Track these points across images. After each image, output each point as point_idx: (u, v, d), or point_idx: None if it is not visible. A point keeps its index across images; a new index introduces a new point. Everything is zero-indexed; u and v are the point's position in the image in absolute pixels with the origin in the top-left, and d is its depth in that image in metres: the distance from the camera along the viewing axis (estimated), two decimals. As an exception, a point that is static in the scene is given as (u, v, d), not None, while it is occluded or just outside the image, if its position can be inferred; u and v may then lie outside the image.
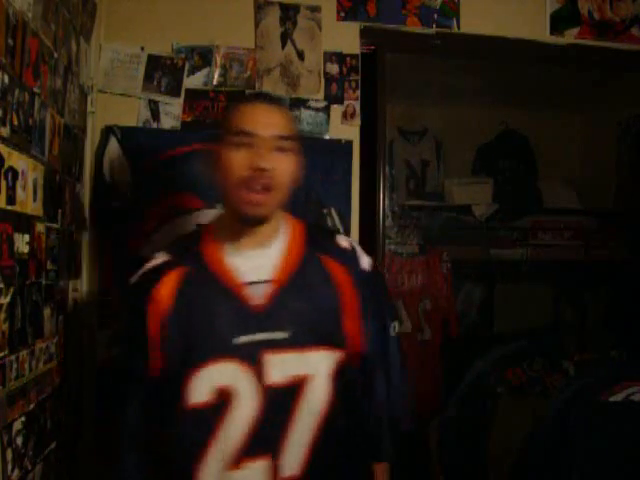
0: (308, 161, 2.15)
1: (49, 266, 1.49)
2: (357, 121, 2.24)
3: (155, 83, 2.11)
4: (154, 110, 2.10)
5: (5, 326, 1.20)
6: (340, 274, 1.25)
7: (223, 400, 1.16)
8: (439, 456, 2.51)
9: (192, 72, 2.13)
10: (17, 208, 1.26)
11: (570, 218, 3.43)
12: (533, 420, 2.18)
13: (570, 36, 2.44)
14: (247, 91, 2.15)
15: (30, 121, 1.34)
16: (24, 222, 1.31)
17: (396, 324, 1.34)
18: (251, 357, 1.16)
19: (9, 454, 1.21)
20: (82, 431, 1.87)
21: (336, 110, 2.22)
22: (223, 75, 2.16)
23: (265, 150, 1.17)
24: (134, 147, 2.04)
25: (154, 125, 2.10)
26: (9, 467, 1.21)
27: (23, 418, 1.29)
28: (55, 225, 1.55)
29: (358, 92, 2.25)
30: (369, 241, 2.30)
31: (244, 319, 1.18)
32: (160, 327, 1.19)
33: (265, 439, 1.17)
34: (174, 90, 2.12)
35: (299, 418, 1.17)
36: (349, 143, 2.22)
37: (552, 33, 2.42)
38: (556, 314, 3.54)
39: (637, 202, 3.25)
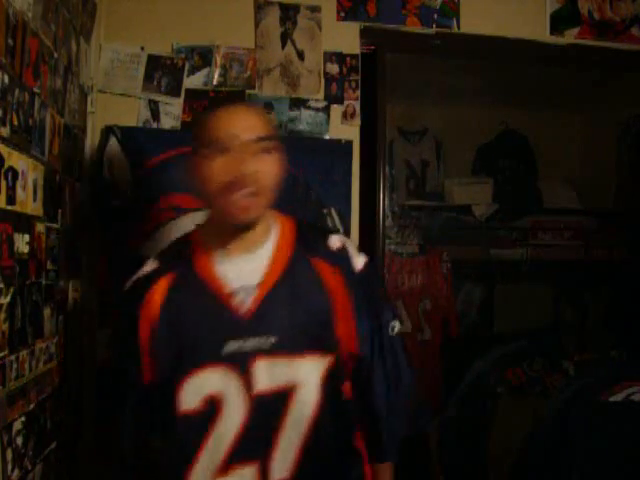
0: (308, 161, 2.18)
1: (49, 266, 1.49)
2: (357, 121, 2.24)
3: (155, 83, 2.11)
4: (154, 110, 2.10)
5: (5, 326, 1.20)
6: (331, 276, 1.23)
7: (212, 407, 1.16)
8: (439, 456, 2.51)
9: (192, 72, 2.13)
10: (17, 208, 1.26)
11: (570, 218, 3.43)
12: (533, 420, 2.18)
13: (570, 36, 2.44)
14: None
15: (30, 121, 1.34)
16: (24, 222, 1.31)
17: (396, 323, 1.32)
18: (240, 364, 1.16)
19: (9, 454, 1.21)
20: (82, 431, 1.87)
21: (336, 110, 2.22)
22: (223, 75, 2.16)
23: (246, 154, 1.13)
24: (134, 147, 2.04)
25: (154, 125, 2.10)
26: (9, 467, 1.21)
27: (23, 418, 1.29)
28: (55, 225, 1.55)
29: (358, 92, 2.25)
30: (369, 241, 2.31)
31: (232, 326, 1.17)
32: (150, 334, 1.19)
33: (254, 446, 1.17)
34: (174, 90, 2.12)
35: (288, 425, 1.17)
36: (349, 143, 2.22)
37: (552, 33, 2.42)
38: (556, 314, 3.54)
39: (637, 202, 3.25)
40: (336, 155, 2.21)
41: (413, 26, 2.31)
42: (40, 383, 1.41)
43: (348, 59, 2.24)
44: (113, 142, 2.02)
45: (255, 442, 1.17)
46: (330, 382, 1.20)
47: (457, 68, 2.94)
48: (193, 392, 1.16)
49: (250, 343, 1.16)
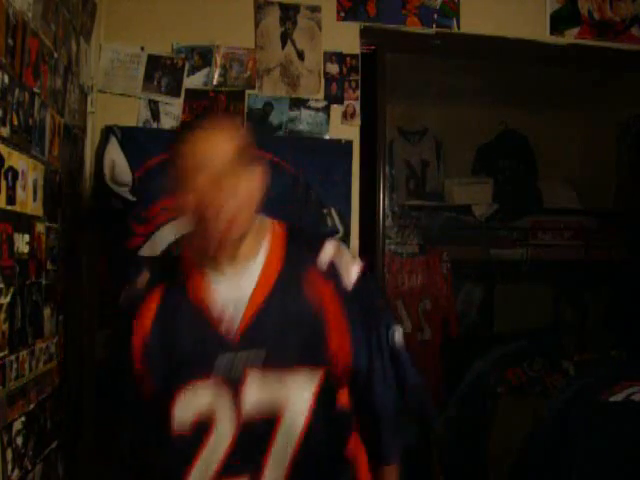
0: (308, 161, 2.18)
1: (49, 266, 1.49)
2: (357, 121, 2.24)
3: (155, 83, 2.11)
4: (154, 110, 2.10)
5: (5, 326, 1.20)
6: (322, 290, 1.20)
7: (204, 423, 1.17)
8: (439, 456, 2.51)
9: (192, 72, 2.13)
10: (17, 208, 1.26)
11: (570, 218, 3.44)
12: (533, 420, 2.18)
13: (570, 36, 2.44)
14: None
15: (30, 121, 1.34)
16: (24, 222, 1.31)
17: (397, 331, 1.28)
18: (230, 381, 1.16)
19: (9, 454, 1.21)
20: (82, 431, 1.87)
21: (336, 110, 2.22)
22: (223, 75, 2.16)
23: (216, 183, 1.10)
24: (134, 147, 2.03)
25: (154, 125, 2.10)
26: (9, 467, 1.21)
27: (23, 418, 1.29)
28: (55, 225, 1.55)
29: (358, 92, 2.25)
30: (369, 241, 2.31)
31: (223, 343, 1.17)
32: (143, 349, 1.20)
33: (245, 460, 1.17)
34: (174, 90, 2.12)
35: (279, 439, 1.17)
36: (349, 143, 2.22)
37: (552, 33, 2.42)
38: (556, 314, 3.53)
39: (637, 202, 3.25)
40: (336, 155, 2.21)
41: (413, 26, 2.31)
42: (40, 383, 1.41)
43: (348, 59, 2.24)
44: (113, 142, 2.02)
45: (247, 457, 1.17)
46: (322, 396, 1.19)
47: (457, 68, 2.94)
48: (185, 408, 1.17)
49: (241, 360, 1.16)
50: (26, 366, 1.32)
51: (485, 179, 3.54)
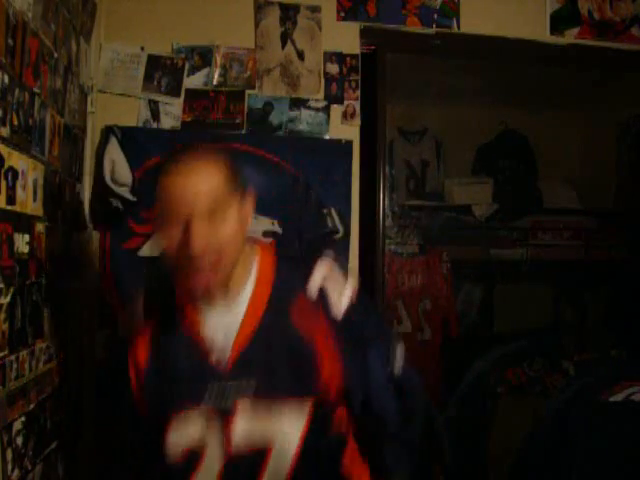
0: (308, 161, 2.18)
1: (49, 266, 1.49)
2: (357, 121, 2.24)
3: (155, 83, 2.11)
4: (154, 110, 2.10)
5: (5, 326, 1.20)
6: (311, 317, 1.18)
7: (195, 453, 1.17)
8: (439, 456, 2.51)
9: (192, 72, 2.13)
10: (17, 208, 1.26)
11: (570, 218, 3.44)
12: (533, 420, 2.18)
13: (570, 36, 2.44)
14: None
15: (30, 121, 1.34)
16: (24, 222, 1.31)
17: (397, 358, 1.25)
18: (220, 411, 1.16)
19: (9, 454, 1.21)
20: (82, 431, 1.87)
21: (336, 110, 2.22)
22: (223, 75, 2.16)
23: (196, 229, 1.06)
24: (134, 147, 2.04)
25: (154, 125, 2.10)
26: (9, 467, 1.21)
27: (23, 418, 1.29)
28: (55, 225, 1.55)
29: (358, 92, 2.25)
30: (369, 241, 2.31)
31: (214, 374, 1.17)
32: (140, 378, 1.21)
33: None
34: (174, 90, 2.12)
35: (269, 471, 1.17)
36: (349, 143, 2.22)
37: (552, 33, 2.42)
38: (556, 314, 3.53)
39: (637, 202, 3.25)
40: (336, 155, 2.21)
41: (413, 26, 2.31)
42: (40, 383, 1.41)
43: (348, 59, 2.24)
44: (113, 142, 2.02)
45: None
46: (314, 423, 1.17)
47: (457, 68, 2.94)
48: (177, 436, 1.18)
49: (230, 389, 1.16)
50: (26, 366, 1.32)
51: (485, 179, 3.54)
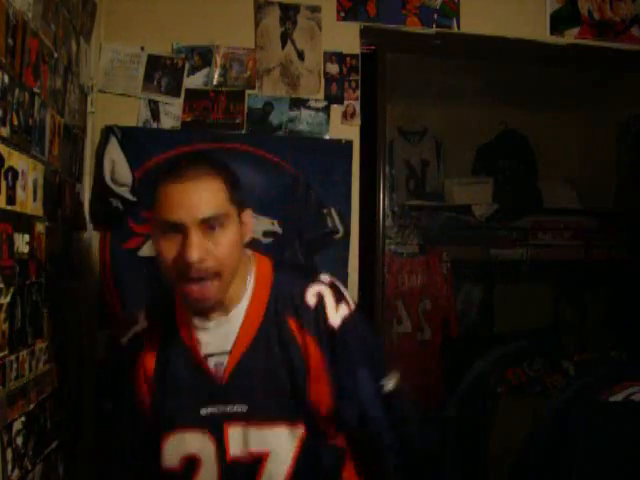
0: (308, 161, 2.18)
1: (49, 266, 1.49)
2: (357, 121, 2.24)
3: (155, 83, 2.11)
4: (154, 110, 2.10)
5: (5, 326, 1.20)
6: (305, 336, 1.16)
7: (191, 467, 1.18)
8: (439, 456, 2.51)
9: (192, 72, 2.14)
10: (17, 208, 1.26)
11: (570, 218, 3.43)
12: (533, 420, 2.18)
13: (570, 36, 2.44)
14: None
15: (30, 121, 1.34)
16: (24, 222, 1.31)
17: (389, 381, 1.21)
18: (215, 429, 1.17)
19: (9, 454, 1.21)
20: (82, 431, 1.87)
21: (336, 110, 2.22)
22: (223, 75, 2.16)
23: (195, 238, 1.06)
24: (134, 147, 2.04)
25: (154, 125, 2.10)
26: (9, 467, 1.21)
27: (23, 418, 1.29)
28: (55, 225, 1.55)
29: (358, 92, 2.25)
30: (369, 241, 2.31)
31: (208, 391, 1.17)
32: (147, 387, 1.22)
33: None
34: (174, 90, 2.12)
35: (265, 478, 1.17)
36: (349, 143, 2.22)
37: (552, 33, 2.42)
38: (556, 314, 3.53)
39: (637, 202, 3.25)
40: (336, 155, 2.21)
41: (413, 26, 2.31)
42: (40, 383, 1.41)
43: (348, 59, 2.24)
44: (113, 142, 2.02)
45: None
46: (308, 442, 1.17)
47: (457, 68, 2.94)
48: (173, 450, 1.19)
49: (224, 409, 1.16)
50: (26, 366, 1.32)
51: (485, 179, 3.53)
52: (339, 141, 2.22)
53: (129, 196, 2.01)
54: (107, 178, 2.00)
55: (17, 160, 1.25)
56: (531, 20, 2.41)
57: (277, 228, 2.13)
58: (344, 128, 2.22)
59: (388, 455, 1.24)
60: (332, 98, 2.22)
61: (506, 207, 3.39)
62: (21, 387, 1.29)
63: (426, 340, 3.12)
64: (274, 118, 2.18)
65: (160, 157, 2.04)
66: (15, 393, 1.25)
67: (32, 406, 1.35)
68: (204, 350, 1.18)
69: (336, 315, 1.18)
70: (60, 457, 1.58)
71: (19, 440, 1.27)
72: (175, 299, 1.23)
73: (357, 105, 2.24)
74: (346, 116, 2.23)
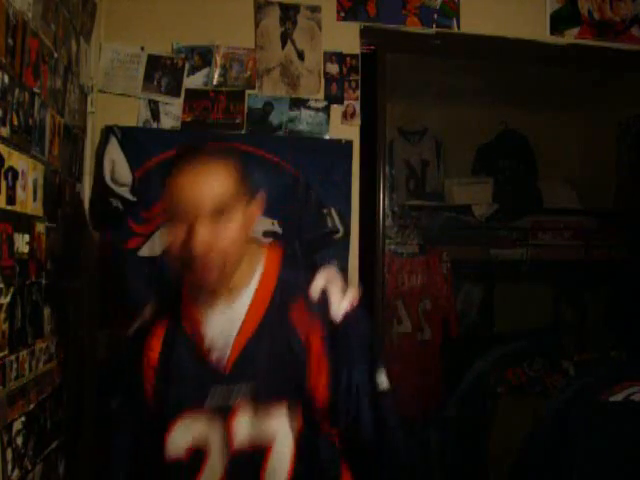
0: (308, 161, 2.18)
1: (49, 266, 1.49)
2: (357, 121, 2.24)
3: (155, 83, 2.11)
4: (154, 110, 2.10)
5: (5, 326, 1.20)
6: (309, 322, 1.18)
7: (197, 455, 1.18)
8: (439, 456, 2.51)
9: (192, 72, 2.14)
10: (17, 208, 1.26)
11: (570, 218, 3.43)
12: (533, 420, 2.18)
13: (570, 36, 2.44)
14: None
15: (30, 121, 1.34)
16: (24, 222, 1.31)
17: (381, 379, 1.22)
18: (220, 415, 1.17)
19: (9, 454, 1.21)
20: (82, 431, 1.87)
21: (336, 110, 2.22)
22: (223, 75, 2.16)
23: (201, 226, 1.08)
24: (134, 147, 2.04)
25: (154, 125, 2.10)
26: (9, 467, 1.21)
27: (23, 418, 1.29)
28: (55, 225, 1.55)
29: (358, 92, 2.25)
30: (369, 241, 2.31)
31: (215, 375, 1.18)
32: (153, 374, 1.22)
33: None
34: (174, 90, 2.12)
35: (270, 468, 1.17)
36: (349, 143, 2.22)
37: (552, 33, 2.42)
38: (556, 314, 3.53)
39: (637, 202, 3.25)
40: (336, 155, 2.21)
41: (413, 26, 2.31)
42: (40, 383, 1.41)
43: (348, 59, 2.24)
44: (113, 142, 2.02)
45: None
46: (307, 429, 1.18)
47: (457, 68, 2.94)
48: (181, 435, 1.19)
49: (230, 394, 1.17)
50: (26, 366, 1.32)
51: (485, 179, 3.53)
52: (339, 141, 2.22)
53: (129, 196, 2.01)
54: (107, 178, 2.00)
55: (17, 160, 1.25)
56: (531, 20, 2.41)
57: (277, 228, 2.13)
58: (344, 128, 2.22)
59: (378, 457, 1.24)
60: (332, 98, 2.22)
61: (506, 207, 3.39)
62: (21, 387, 1.29)
63: (426, 340, 3.12)
64: (274, 118, 2.18)
65: (160, 157, 2.04)
66: (15, 393, 1.25)
67: (32, 406, 1.36)
68: (210, 339, 1.19)
69: (340, 308, 1.20)
70: (60, 457, 1.58)
71: (19, 440, 1.27)
72: (181, 290, 1.25)
73: (357, 105, 2.24)
74: (346, 116, 2.23)
